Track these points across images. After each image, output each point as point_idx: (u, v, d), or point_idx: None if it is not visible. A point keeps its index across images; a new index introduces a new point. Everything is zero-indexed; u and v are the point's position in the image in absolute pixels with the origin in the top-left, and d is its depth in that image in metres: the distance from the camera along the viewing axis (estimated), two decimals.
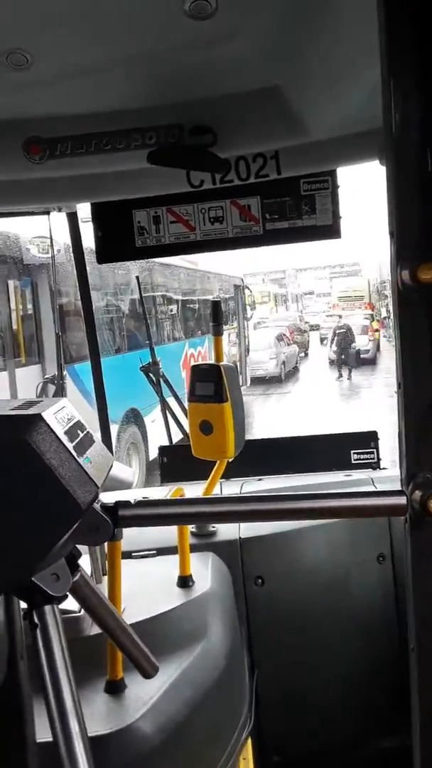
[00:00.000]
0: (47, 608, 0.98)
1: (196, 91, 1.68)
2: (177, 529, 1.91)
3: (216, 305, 2.14)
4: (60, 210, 2.36)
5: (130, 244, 2.20)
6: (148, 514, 1.13)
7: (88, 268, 2.59)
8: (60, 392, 3.85)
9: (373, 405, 14.99)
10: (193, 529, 2.28)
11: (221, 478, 2.18)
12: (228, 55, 1.49)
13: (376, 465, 2.80)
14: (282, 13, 1.34)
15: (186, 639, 1.76)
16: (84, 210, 2.37)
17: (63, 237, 2.72)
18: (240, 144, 1.83)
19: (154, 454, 8.99)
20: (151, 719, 1.49)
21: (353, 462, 2.80)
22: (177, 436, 3.96)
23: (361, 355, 22.57)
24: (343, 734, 2.37)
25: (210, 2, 1.25)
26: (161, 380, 4.08)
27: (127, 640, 1.23)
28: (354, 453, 2.80)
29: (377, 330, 26.28)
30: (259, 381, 19.22)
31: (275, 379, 20.46)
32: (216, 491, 2.24)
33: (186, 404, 2.19)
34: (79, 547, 1.10)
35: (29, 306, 8.27)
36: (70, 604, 1.14)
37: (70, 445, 0.98)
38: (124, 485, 3.41)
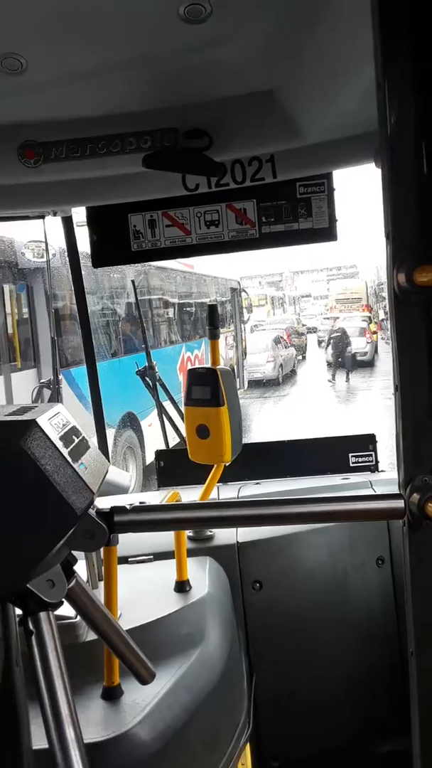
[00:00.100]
0: (42, 615, 0.98)
1: (192, 95, 1.68)
2: (174, 533, 1.91)
3: (212, 309, 2.14)
4: (55, 214, 2.36)
5: (126, 248, 2.20)
6: (144, 520, 1.13)
7: (83, 272, 2.59)
8: (56, 397, 3.84)
9: (371, 407, 15.01)
10: (191, 534, 2.27)
11: (218, 482, 2.18)
12: (223, 58, 1.49)
13: (374, 468, 2.80)
14: (277, 17, 1.34)
15: (183, 644, 1.75)
16: (79, 214, 2.37)
17: (58, 241, 2.72)
18: (235, 147, 1.83)
19: (150, 458, 8.99)
20: (148, 725, 1.48)
21: (351, 465, 2.79)
22: (174, 440, 3.95)
23: (359, 358, 22.56)
24: (342, 739, 2.36)
25: (204, 6, 1.25)
26: (158, 384, 4.07)
27: (124, 646, 1.22)
28: (352, 456, 2.80)
29: (375, 332, 26.29)
30: (256, 384, 19.21)
31: (272, 382, 20.45)
32: (213, 495, 2.24)
33: (183, 408, 2.19)
34: (75, 552, 1.10)
35: (25, 310, 8.26)
36: (67, 609, 1.14)
37: (65, 451, 0.98)
38: (121, 490, 3.40)
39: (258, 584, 2.28)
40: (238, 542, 2.27)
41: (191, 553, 2.07)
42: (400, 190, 1.01)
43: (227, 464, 2.11)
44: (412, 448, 1.06)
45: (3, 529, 0.93)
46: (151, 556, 2.09)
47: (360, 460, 2.79)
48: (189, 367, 3.33)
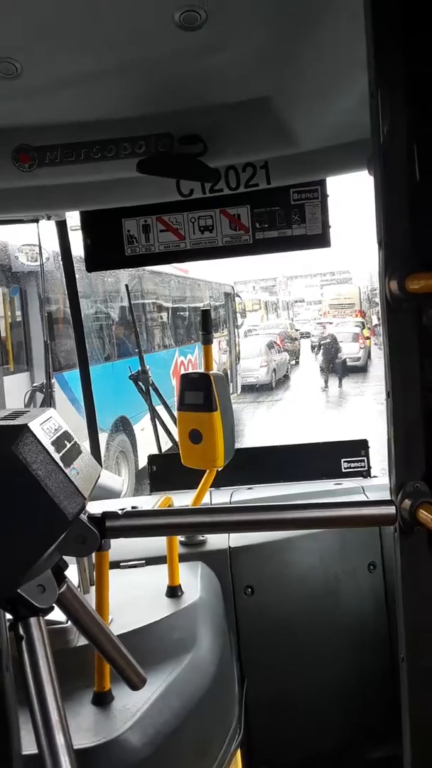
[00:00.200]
0: (33, 620, 0.97)
1: (186, 101, 1.68)
2: (166, 538, 1.90)
3: (205, 314, 2.14)
4: (49, 218, 2.36)
5: (120, 253, 2.21)
6: (136, 525, 1.12)
7: (77, 276, 2.58)
8: (48, 401, 3.84)
9: (363, 412, 15.03)
10: (182, 539, 2.27)
11: (211, 487, 2.18)
12: (218, 65, 1.49)
13: (366, 473, 2.80)
14: (271, 25, 1.35)
15: (175, 649, 1.74)
16: (73, 218, 2.37)
17: (52, 245, 2.72)
18: (230, 154, 1.84)
19: (143, 462, 8.97)
20: (139, 731, 1.48)
21: (344, 471, 2.80)
22: (166, 445, 3.95)
23: (353, 363, 22.57)
24: (333, 744, 2.36)
25: (200, 13, 1.25)
26: (150, 388, 4.07)
27: (114, 652, 1.22)
28: (344, 461, 2.80)
29: (368, 338, 26.32)
30: (249, 389, 19.21)
31: (266, 387, 20.44)
32: (206, 500, 2.23)
33: (175, 413, 2.19)
34: (67, 557, 1.10)
35: (18, 313, 8.24)
36: (58, 614, 1.13)
37: (56, 456, 0.98)
38: (113, 494, 3.40)
39: (250, 589, 2.27)
40: (230, 547, 2.27)
41: (183, 558, 2.07)
42: (392, 197, 1.02)
43: (220, 469, 2.11)
44: (403, 454, 1.06)
45: None
46: (143, 561, 2.09)
47: (352, 465, 2.80)
48: (182, 371, 3.33)
